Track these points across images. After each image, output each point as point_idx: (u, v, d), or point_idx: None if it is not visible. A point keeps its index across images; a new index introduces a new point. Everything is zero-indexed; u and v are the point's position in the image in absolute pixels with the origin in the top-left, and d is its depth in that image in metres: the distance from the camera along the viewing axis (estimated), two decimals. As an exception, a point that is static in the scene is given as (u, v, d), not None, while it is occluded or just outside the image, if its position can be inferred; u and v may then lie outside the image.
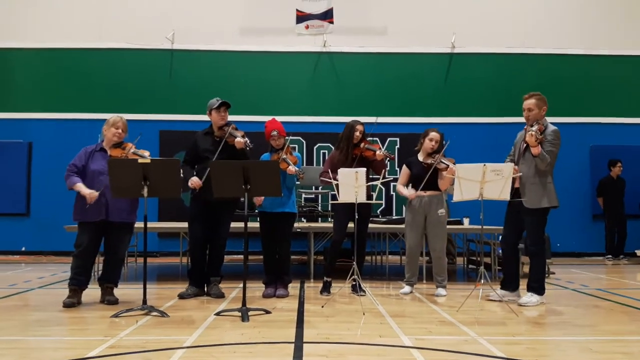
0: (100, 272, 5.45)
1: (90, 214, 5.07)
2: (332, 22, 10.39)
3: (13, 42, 10.45)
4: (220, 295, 5.61)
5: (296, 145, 10.00)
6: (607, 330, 4.41)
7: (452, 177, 5.53)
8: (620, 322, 4.73)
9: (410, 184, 6.01)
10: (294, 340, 3.88)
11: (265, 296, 5.67)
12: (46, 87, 10.46)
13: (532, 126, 5.20)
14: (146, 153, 5.23)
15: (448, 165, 5.70)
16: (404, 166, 6.12)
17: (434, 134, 5.96)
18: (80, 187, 5.06)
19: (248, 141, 5.51)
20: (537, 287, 5.34)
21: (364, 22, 10.77)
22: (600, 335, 4.21)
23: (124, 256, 5.46)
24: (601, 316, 5.01)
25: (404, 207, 9.92)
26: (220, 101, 5.64)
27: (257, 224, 5.94)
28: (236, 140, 5.47)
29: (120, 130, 5.26)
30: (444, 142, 5.86)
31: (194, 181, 5.47)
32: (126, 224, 5.26)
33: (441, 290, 5.90)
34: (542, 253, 5.37)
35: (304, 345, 3.76)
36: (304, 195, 9.77)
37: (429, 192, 5.88)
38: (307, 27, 10.44)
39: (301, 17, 10.43)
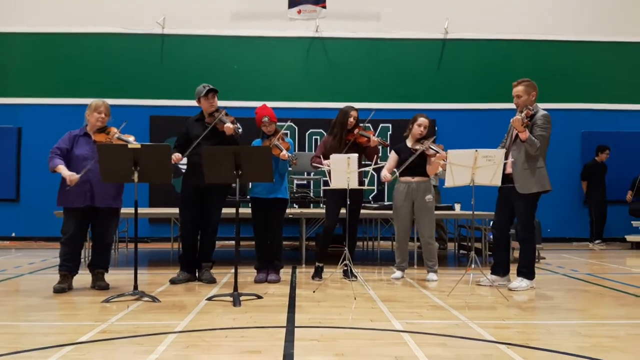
0: (89, 258, 5.42)
1: (74, 200, 5.03)
2: (324, 7, 10.30)
3: (2, 26, 10.31)
4: (212, 281, 5.61)
5: (288, 132, 9.97)
6: (596, 314, 4.46)
7: (441, 162, 5.56)
8: (609, 306, 4.78)
9: (395, 170, 6.02)
10: (285, 325, 3.89)
11: (257, 281, 5.68)
12: (36, 72, 10.34)
13: (521, 112, 5.22)
14: (131, 138, 5.19)
15: (437, 152, 5.71)
16: (393, 152, 6.12)
17: (422, 120, 5.96)
18: (62, 169, 4.98)
19: (238, 127, 5.47)
20: (527, 272, 5.38)
21: (357, 7, 10.70)
22: (589, 320, 4.25)
23: (112, 241, 5.43)
24: (590, 301, 5.06)
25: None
26: (207, 88, 5.59)
27: (248, 210, 5.93)
28: (225, 125, 5.43)
29: (103, 115, 5.18)
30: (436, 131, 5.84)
31: (175, 156, 5.40)
32: (112, 209, 5.21)
33: (432, 275, 5.93)
34: (532, 238, 5.40)
35: (296, 329, 3.77)
36: (295, 182, 9.75)
37: (416, 178, 5.90)
38: (299, 11, 10.35)
39: (293, 2, 10.32)
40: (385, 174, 5.97)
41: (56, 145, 5.13)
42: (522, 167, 5.27)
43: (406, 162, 5.77)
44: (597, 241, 10.26)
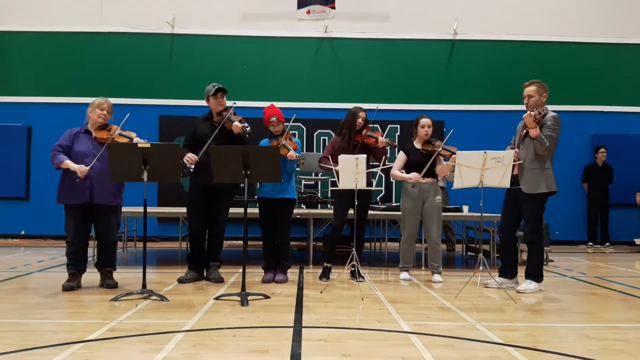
0: (96, 257, 5.45)
1: (74, 197, 5.05)
2: (333, 8, 10.30)
3: (13, 25, 10.38)
4: (220, 280, 5.63)
5: (296, 132, 9.98)
6: (605, 317, 4.44)
7: (453, 164, 5.58)
8: (617, 309, 4.76)
9: (404, 171, 6.01)
10: (293, 325, 3.90)
11: (264, 281, 5.69)
12: (45, 71, 10.40)
13: (532, 112, 5.21)
14: (133, 134, 5.21)
15: (453, 153, 5.71)
16: (401, 152, 6.12)
17: (424, 120, 5.99)
18: (69, 163, 5.01)
19: (246, 126, 5.49)
20: (535, 274, 5.36)
21: (366, 7, 10.69)
22: (598, 323, 4.23)
23: (116, 239, 5.42)
24: (599, 304, 5.04)
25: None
26: (216, 87, 5.61)
27: (256, 210, 5.94)
28: (233, 124, 5.44)
29: (105, 112, 5.21)
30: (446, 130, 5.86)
31: (189, 156, 5.45)
32: (111, 206, 5.21)
33: (437, 277, 5.92)
34: (540, 240, 5.38)
35: (303, 329, 3.77)
36: (303, 182, 9.76)
37: (427, 179, 5.90)
38: (308, 12, 10.36)
39: (302, 2, 10.33)
40: (415, 175, 5.90)
41: (57, 143, 5.16)
42: (529, 167, 5.25)
43: (426, 166, 5.75)
44: (589, 243, 10.21)
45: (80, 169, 4.96)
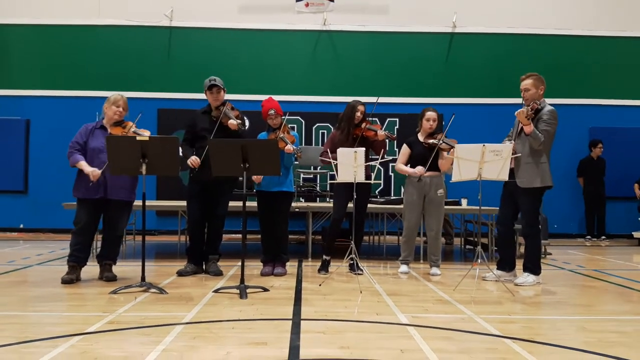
0: (98, 250, 5.46)
1: (89, 191, 5.08)
2: (332, 0, 10.27)
3: (11, 18, 10.35)
4: (219, 273, 5.64)
5: (295, 125, 9.97)
6: (602, 310, 4.46)
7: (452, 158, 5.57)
8: (615, 302, 4.78)
9: (409, 164, 6.01)
10: (291, 317, 3.91)
11: (263, 274, 5.70)
12: (44, 64, 10.38)
13: (528, 106, 5.22)
14: (146, 132, 5.22)
15: (452, 147, 5.70)
16: (404, 146, 6.12)
17: (430, 114, 5.97)
18: (83, 165, 5.05)
19: (243, 121, 5.48)
20: (532, 267, 5.38)
21: (365, 0, 10.66)
22: (595, 315, 4.25)
23: (123, 234, 5.47)
24: (596, 296, 5.06)
25: (402, 187, 9.95)
26: (210, 82, 5.60)
27: (255, 203, 5.95)
28: (229, 122, 5.45)
29: (121, 109, 5.24)
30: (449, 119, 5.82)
31: (193, 160, 5.47)
32: (125, 202, 5.26)
33: (435, 270, 5.94)
34: (537, 233, 5.39)
35: (302, 322, 3.79)
36: (302, 175, 9.76)
37: (429, 173, 5.89)
38: (307, 5, 10.32)
39: (301, -5, 10.31)
40: (420, 169, 5.88)
41: (74, 139, 5.19)
42: (525, 161, 5.26)
43: (429, 160, 5.73)
44: (587, 236, 10.23)
45: (93, 172, 4.99)
